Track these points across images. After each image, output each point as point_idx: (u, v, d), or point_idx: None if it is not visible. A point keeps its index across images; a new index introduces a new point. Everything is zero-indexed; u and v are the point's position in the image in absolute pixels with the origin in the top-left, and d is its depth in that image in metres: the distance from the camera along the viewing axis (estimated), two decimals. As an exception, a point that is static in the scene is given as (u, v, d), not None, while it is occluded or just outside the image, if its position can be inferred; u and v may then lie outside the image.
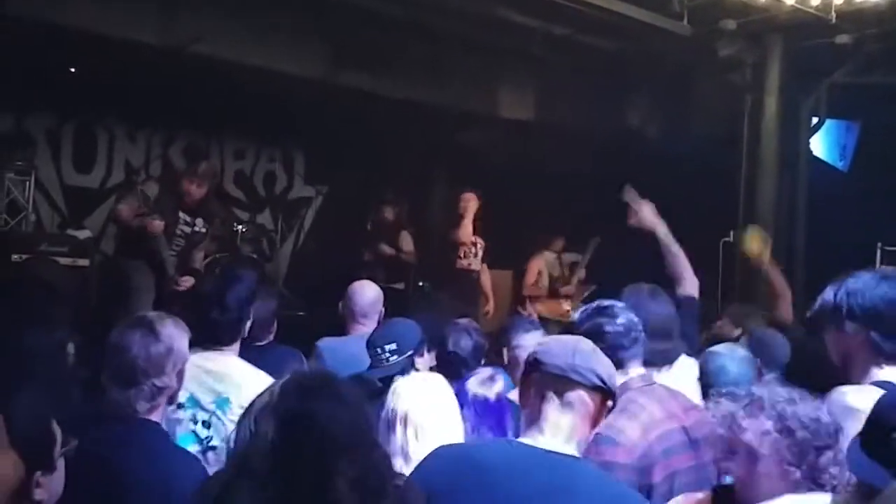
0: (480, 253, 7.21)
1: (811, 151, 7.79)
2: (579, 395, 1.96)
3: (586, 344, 2.07)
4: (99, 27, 6.26)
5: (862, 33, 6.84)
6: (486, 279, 7.33)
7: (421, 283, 7.27)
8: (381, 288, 4.43)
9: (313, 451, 1.45)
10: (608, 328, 2.54)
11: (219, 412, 2.82)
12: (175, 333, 2.35)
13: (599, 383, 1.97)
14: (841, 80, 7.39)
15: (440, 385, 2.50)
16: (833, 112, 7.74)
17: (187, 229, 5.85)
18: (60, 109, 8.34)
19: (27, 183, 7.73)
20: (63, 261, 6.52)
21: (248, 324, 3.10)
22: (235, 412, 2.87)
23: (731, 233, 6.98)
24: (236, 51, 6.81)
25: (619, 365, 2.50)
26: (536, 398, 1.98)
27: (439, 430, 2.36)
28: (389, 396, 2.47)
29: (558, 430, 1.95)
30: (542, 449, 1.93)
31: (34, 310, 2.92)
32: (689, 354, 3.27)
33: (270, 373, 2.93)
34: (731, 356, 3.27)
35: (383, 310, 4.20)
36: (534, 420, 1.98)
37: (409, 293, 7.24)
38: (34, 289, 3.35)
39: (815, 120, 7.63)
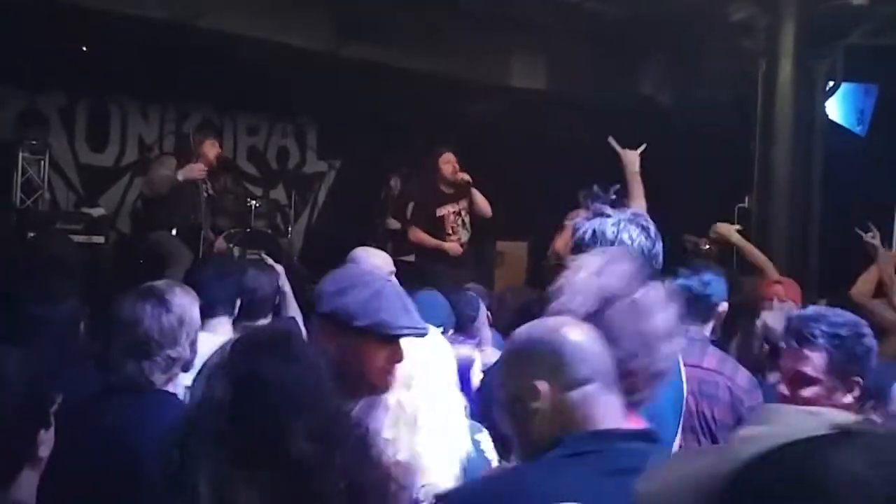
0: (468, 219, 6.72)
1: (827, 116, 7.68)
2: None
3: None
4: (104, 3, 6.26)
5: (879, -6, 6.73)
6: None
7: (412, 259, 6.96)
8: (393, 261, 4.42)
9: (265, 409, 1.46)
10: None
11: None
12: (186, 302, 2.31)
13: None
14: (857, 43, 7.26)
15: (436, 344, 2.48)
16: (850, 75, 7.62)
17: (204, 194, 6.07)
18: (73, 88, 8.37)
19: (42, 162, 7.79)
20: (78, 238, 6.58)
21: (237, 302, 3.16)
22: None
23: (746, 198, 6.91)
24: (244, 25, 6.79)
25: None
26: None
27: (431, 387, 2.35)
28: None
29: None
30: None
31: (41, 282, 2.94)
32: None
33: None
34: None
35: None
36: None
37: (419, 265, 7.18)
38: (42, 262, 3.38)
39: (830, 84, 7.52)
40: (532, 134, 8.58)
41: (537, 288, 5.83)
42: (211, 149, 6.15)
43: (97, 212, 7.57)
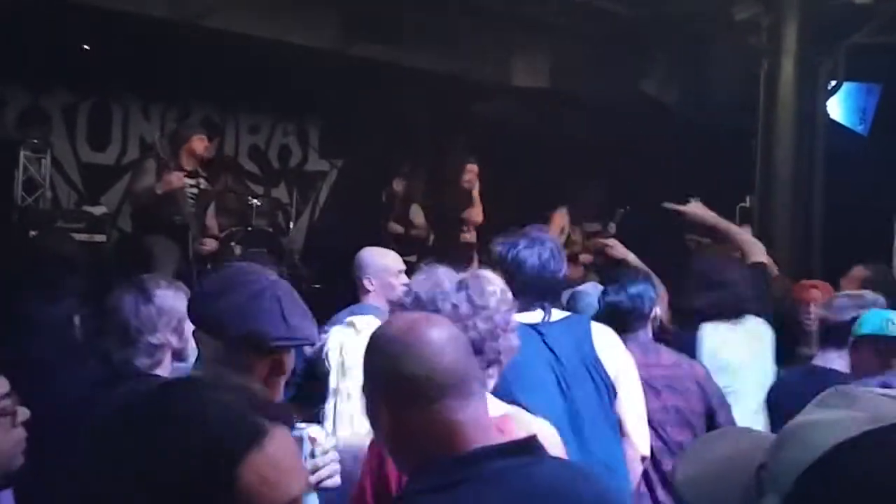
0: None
1: (829, 115, 7.66)
2: None
3: None
4: (107, 2, 6.26)
5: (882, -8, 6.71)
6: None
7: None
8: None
9: None
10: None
11: None
12: (169, 294, 2.39)
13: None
14: (860, 42, 7.24)
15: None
16: (852, 74, 7.60)
17: (194, 190, 6.02)
18: (75, 87, 8.37)
19: (43, 160, 7.79)
20: (80, 237, 6.57)
21: None
22: None
23: (748, 198, 6.90)
24: (247, 23, 6.79)
25: None
26: None
27: None
28: (325, 342, 2.67)
29: None
30: None
31: (43, 280, 2.95)
32: (757, 315, 3.71)
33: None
34: (598, 294, 3.54)
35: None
36: None
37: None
38: (43, 260, 3.39)
39: (833, 83, 7.50)
40: (536, 133, 8.57)
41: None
42: (199, 144, 6.05)
43: (98, 210, 7.57)
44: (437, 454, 1.36)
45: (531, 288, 2.69)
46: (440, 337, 1.41)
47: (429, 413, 1.37)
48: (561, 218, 7.44)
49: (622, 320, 3.20)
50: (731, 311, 3.61)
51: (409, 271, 6.70)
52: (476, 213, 7.21)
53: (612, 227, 7.28)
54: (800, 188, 7.11)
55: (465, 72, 7.87)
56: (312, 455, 1.72)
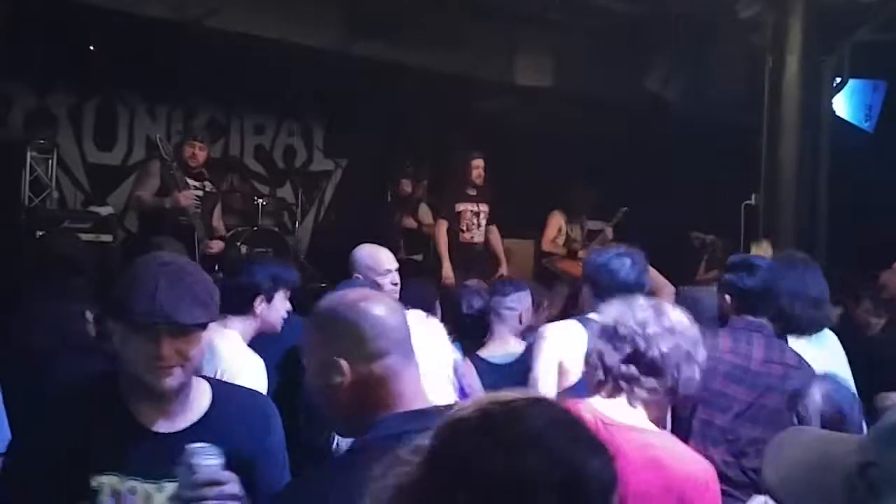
0: (483, 222, 7.12)
1: (834, 112, 7.63)
2: None
3: None
4: (113, 3, 6.29)
5: (887, -12, 6.69)
6: (496, 240, 7.20)
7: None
8: (401, 259, 4.45)
9: None
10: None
11: None
12: None
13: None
14: (866, 38, 7.22)
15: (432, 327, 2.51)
16: (857, 71, 7.57)
17: (199, 193, 6.04)
18: (81, 87, 8.41)
19: (50, 161, 7.83)
20: (86, 237, 6.59)
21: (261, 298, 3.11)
22: None
23: (753, 196, 6.89)
24: (251, 23, 6.81)
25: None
26: None
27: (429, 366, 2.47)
28: None
29: None
30: None
31: (49, 279, 2.96)
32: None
33: (281, 341, 3.00)
34: None
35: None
36: None
37: (428, 264, 7.25)
38: (50, 260, 3.41)
39: (838, 80, 7.48)
40: (539, 131, 8.58)
41: (543, 285, 5.84)
42: (196, 153, 6.07)
43: (105, 210, 7.60)
44: (386, 410, 1.56)
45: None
46: (387, 305, 1.67)
47: (383, 364, 1.59)
48: (556, 220, 7.46)
49: (753, 306, 3.10)
50: (811, 325, 3.45)
51: (416, 269, 6.74)
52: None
53: (619, 218, 7.28)
54: (805, 185, 7.09)
55: (466, 70, 7.88)
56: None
